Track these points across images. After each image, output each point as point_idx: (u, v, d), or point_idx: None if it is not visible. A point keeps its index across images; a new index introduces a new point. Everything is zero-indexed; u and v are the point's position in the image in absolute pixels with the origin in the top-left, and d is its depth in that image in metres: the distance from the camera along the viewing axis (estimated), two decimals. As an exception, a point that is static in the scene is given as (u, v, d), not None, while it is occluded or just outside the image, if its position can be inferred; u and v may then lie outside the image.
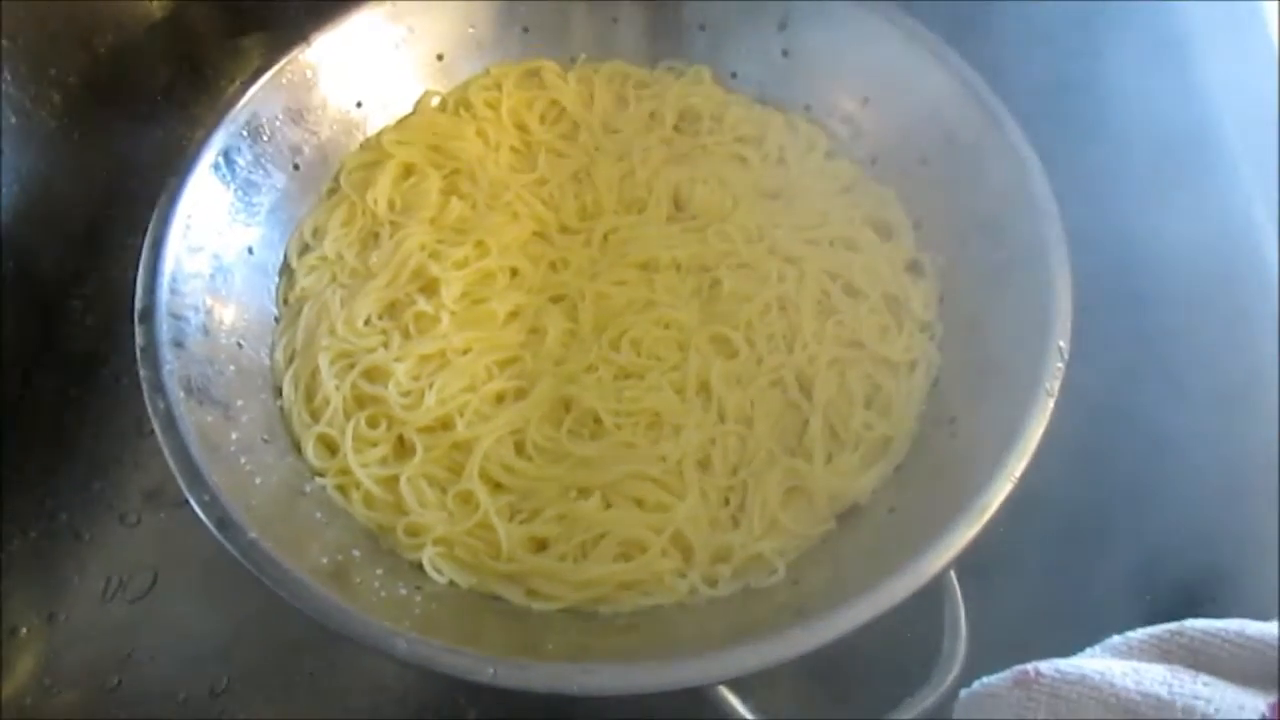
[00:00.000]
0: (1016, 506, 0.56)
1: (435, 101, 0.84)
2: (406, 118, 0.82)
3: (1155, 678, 0.37)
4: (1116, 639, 0.40)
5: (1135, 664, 0.38)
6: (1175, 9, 0.74)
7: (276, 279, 0.75)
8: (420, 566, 0.63)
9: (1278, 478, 0.56)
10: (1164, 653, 0.38)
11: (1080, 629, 0.47)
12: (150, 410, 0.60)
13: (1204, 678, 0.37)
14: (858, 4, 0.78)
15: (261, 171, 0.74)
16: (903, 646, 0.56)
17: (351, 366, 0.70)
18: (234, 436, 0.63)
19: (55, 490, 0.76)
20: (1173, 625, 0.39)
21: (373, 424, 0.68)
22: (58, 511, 0.76)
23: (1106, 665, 0.37)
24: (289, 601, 0.54)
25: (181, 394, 0.61)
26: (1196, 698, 0.35)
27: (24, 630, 0.71)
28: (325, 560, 0.59)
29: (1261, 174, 0.63)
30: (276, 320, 0.73)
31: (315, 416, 0.68)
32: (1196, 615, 0.42)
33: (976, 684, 0.39)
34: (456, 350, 0.71)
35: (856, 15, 0.79)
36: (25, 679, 0.69)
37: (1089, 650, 0.40)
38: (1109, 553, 0.61)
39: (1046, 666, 0.38)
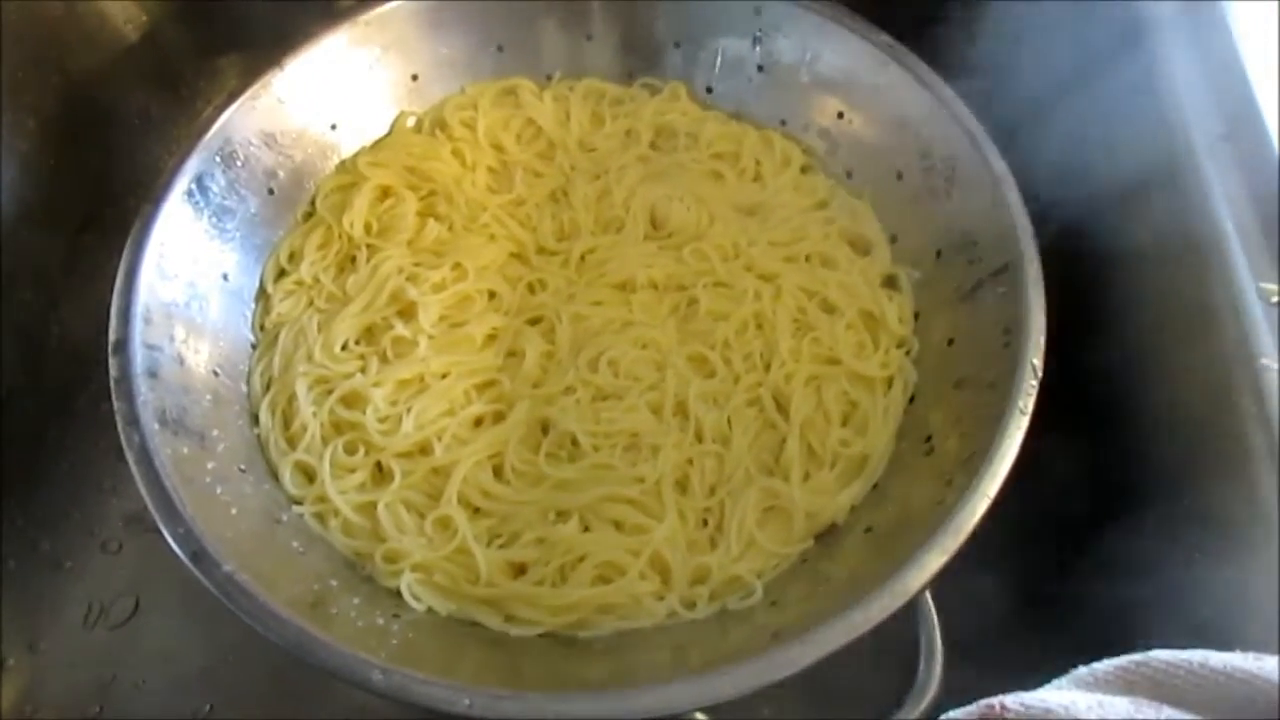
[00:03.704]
0: (994, 527, 0.56)
1: (411, 122, 0.84)
2: (382, 139, 0.82)
3: (1119, 710, 0.37)
4: (1083, 670, 0.40)
5: (1100, 696, 0.38)
6: (1137, 6, 0.74)
7: (252, 305, 0.75)
8: (399, 594, 0.63)
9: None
10: (1128, 684, 0.38)
11: (1058, 651, 0.47)
12: (124, 443, 0.60)
13: (1167, 710, 0.37)
14: (832, 19, 0.78)
15: (236, 197, 0.74)
16: (880, 669, 0.56)
17: (329, 392, 0.70)
18: (210, 466, 0.63)
19: (35, 519, 0.76)
20: (1138, 656, 0.39)
21: (350, 450, 0.68)
22: (38, 540, 0.76)
23: (1071, 699, 0.38)
24: (264, 634, 0.54)
25: (156, 425, 0.61)
26: (1159, 731, 0.36)
27: (11, 661, 0.71)
28: (302, 590, 0.59)
29: (1224, 180, 0.63)
30: (253, 347, 0.73)
31: (293, 444, 0.68)
32: (1171, 643, 0.42)
33: (943, 718, 0.40)
34: (434, 374, 0.71)
35: (831, 30, 0.79)
36: (8, 710, 0.69)
37: (1056, 682, 0.40)
38: (1087, 573, 0.61)
39: (1012, 700, 0.38)
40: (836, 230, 0.78)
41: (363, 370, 0.71)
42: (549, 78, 0.86)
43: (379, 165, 0.80)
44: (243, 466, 0.66)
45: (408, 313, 0.73)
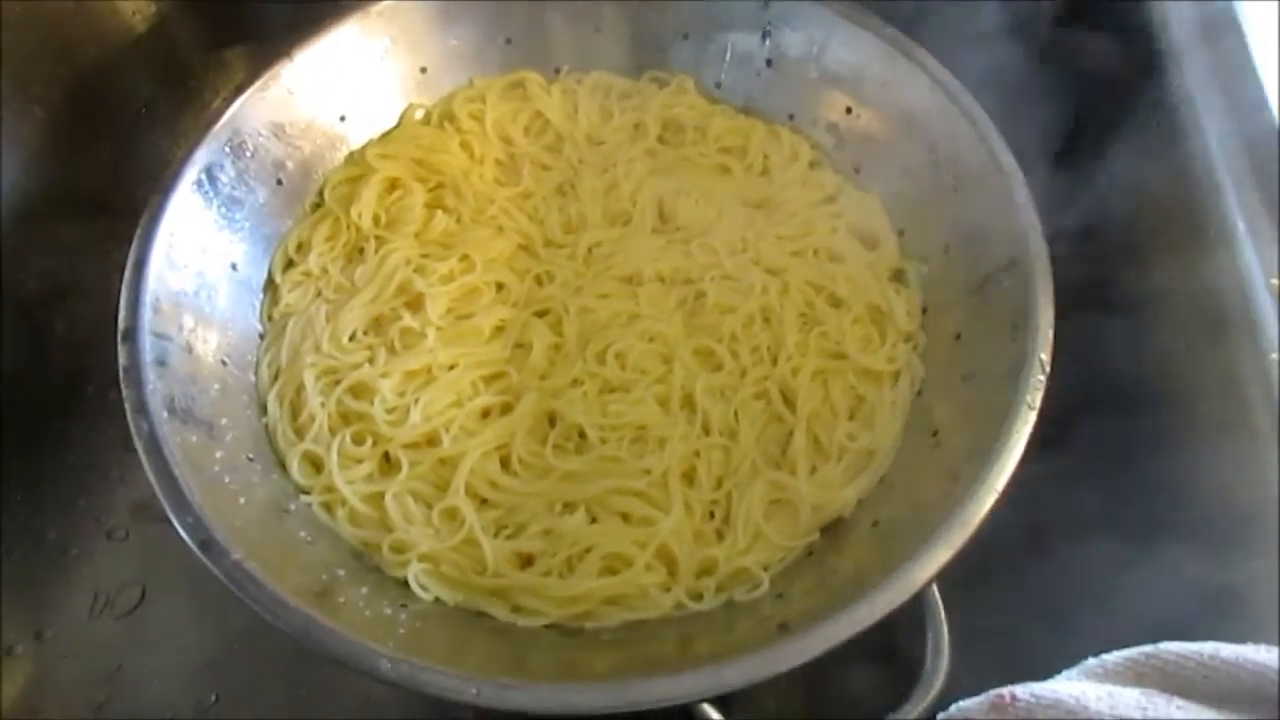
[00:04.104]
0: (1001, 520, 0.56)
1: (419, 115, 0.84)
2: (390, 131, 0.83)
3: (1129, 702, 0.37)
4: (1092, 661, 0.40)
5: (1110, 688, 0.38)
6: (1149, 7, 0.74)
7: (260, 295, 0.75)
8: (406, 584, 0.63)
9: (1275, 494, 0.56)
10: (1139, 675, 0.38)
11: (1065, 645, 0.47)
12: (133, 431, 0.60)
13: (1178, 701, 0.37)
14: (841, 14, 0.78)
15: (244, 187, 0.74)
16: (886, 662, 0.56)
17: (337, 383, 0.70)
18: (218, 455, 0.63)
19: (42, 507, 0.76)
20: (1148, 648, 0.39)
21: (358, 440, 0.68)
22: (45, 528, 0.76)
23: (1081, 689, 0.38)
24: (272, 622, 0.54)
25: (165, 414, 0.61)
26: (1169, 721, 0.36)
27: (17, 649, 0.71)
28: (310, 579, 0.59)
29: (1235, 177, 0.64)
30: (261, 337, 0.73)
31: (300, 434, 0.68)
32: (1177, 633, 0.42)
33: (953, 708, 0.40)
34: (442, 366, 0.71)
35: (840, 24, 0.79)
36: (14, 698, 0.69)
37: (1065, 673, 0.41)
38: (1094, 568, 0.61)
39: (1022, 691, 0.38)
40: (844, 225, 0.78)
41: (370, 361, 0.71)
42: (557, 71, 0.86)
43: (387, 157, 0.80)
44: (250, 456, 0.66)
45: (415, 304, 0.73)
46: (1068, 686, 0.38)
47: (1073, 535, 0.61)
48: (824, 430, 0.69)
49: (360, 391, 0.70)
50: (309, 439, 0.68)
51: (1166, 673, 0.38)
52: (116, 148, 0.89)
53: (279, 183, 0.76)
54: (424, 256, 0.75)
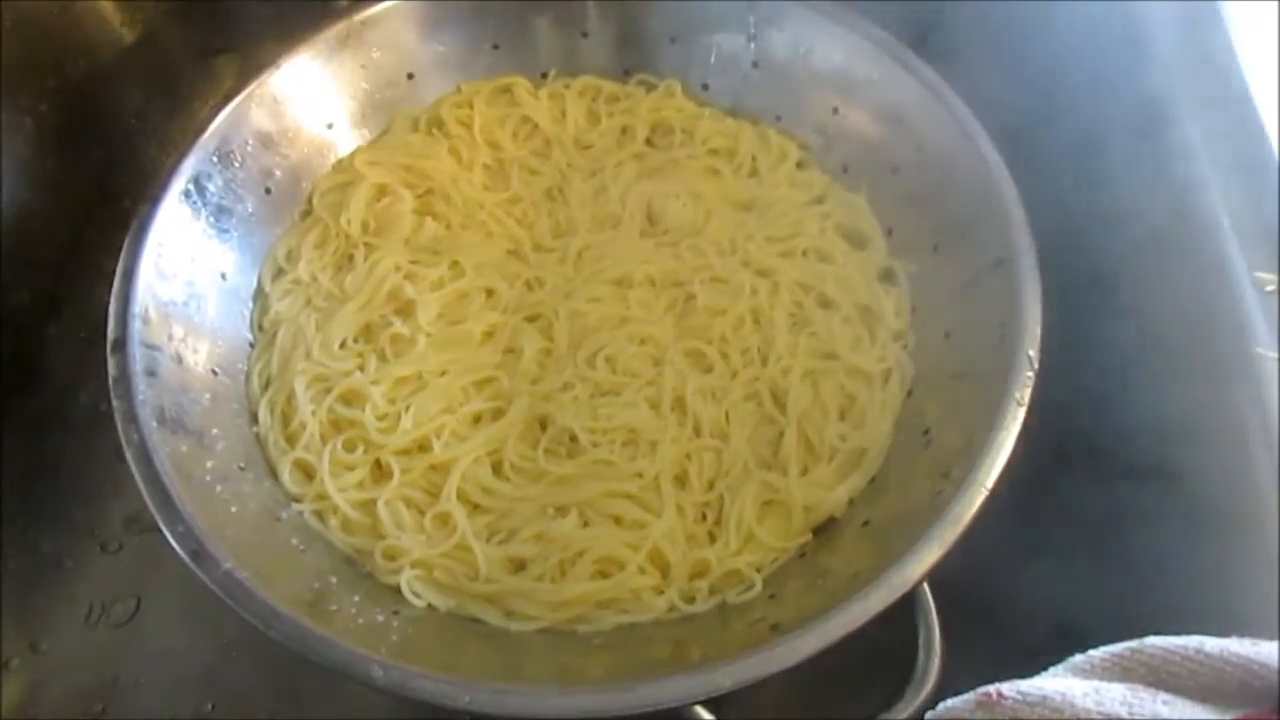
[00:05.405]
0: (992, 517, 0.56)
1: (407, 121, 0.83)
2: (378, 138, 0.83)
3: (1115, 697, 0.37)
4: (1079, 657, 0.40)
5: (1096, 683, 0.38)
6: (1133, 7, 0.75)
7: (250, 304, 0.75)
8: (398, 590, 0.63)
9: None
10: (1125, 671, 0.39)
11: (1058, 643, 0.47)
12: (123, 441, 0.60)
13: (1163, 696, 0.37)
14: (827, 15, 0.79)
15: (233, 196, 0.74)
16: (879, 661, 0.56)
17: (328, 390, 0.70)
18: (209, 465, 0.63)
19: (35, 519, 0.76)
20: (1133, 643, 0.39)
21: (350, 448, 0.68)
22: (38, 540, 0.76)
23: (1068, 685, 0.38)
24: (264, 631, 0.54)
25: (155, 424, 0.61)
26: (1156, 717, 0.36)
27: (13, 661, 0.71)
28: (302, 587, 0.59)
29: (1219, 172, 0.64)
30: (251, 346, 0.73)
31: (292, 442, 0.68)
32: (1169, 629, 0.42)
33: (940, 707, 0.40)
34: (433, 372, 0.71)
35: (825, 26, 0.79)
36: (10, 711, 0.69)
37: (1052, 669, 0.41)
38: (1085, 560, 0.61)
39: (1009, 688, 0.38)
40: (833, 225, 0.78)
41: (361, 368, 0.71)
42: (544, 75, 0.86)
43: (376, 164, 0.80)
44: (242, 465, 0.66)
45: (406, 311, 0.73)
46: (1054, 683, 0.38)
47: (1065, 531, 0.61)
48: (815, 430, 0.69)
49: (351, 399, 0.70)
50: (300, 447, 0.68)
51: (1152, 667, 0.38)
52: (106, 158, 0.89)
53: (267, 191, 0.76)
54: (413, 263, 0.75)
